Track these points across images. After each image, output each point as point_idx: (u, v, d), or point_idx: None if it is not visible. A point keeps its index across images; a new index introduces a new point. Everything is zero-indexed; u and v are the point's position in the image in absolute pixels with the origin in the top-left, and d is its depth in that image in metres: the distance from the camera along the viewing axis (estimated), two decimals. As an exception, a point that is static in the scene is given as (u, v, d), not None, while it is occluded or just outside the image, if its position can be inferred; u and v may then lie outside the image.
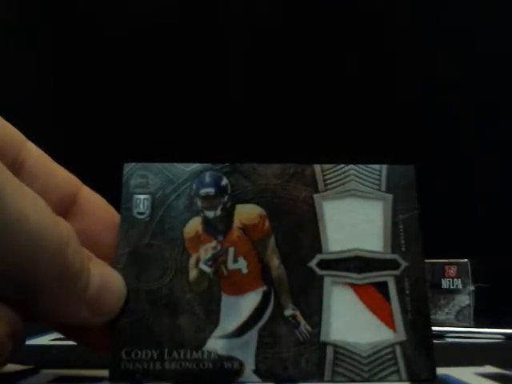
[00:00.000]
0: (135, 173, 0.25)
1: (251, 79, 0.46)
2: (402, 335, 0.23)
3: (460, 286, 0.37)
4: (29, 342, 0.32)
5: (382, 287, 0.24)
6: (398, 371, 0.22)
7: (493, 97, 0.45)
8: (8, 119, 0.22)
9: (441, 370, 0.23)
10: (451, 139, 0.45)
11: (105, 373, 0.23)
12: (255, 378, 0.22)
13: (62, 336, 0.34)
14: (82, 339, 0.23)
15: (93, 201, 0.24)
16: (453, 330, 0.36)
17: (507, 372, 0.24)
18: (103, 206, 0.24)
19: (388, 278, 0.24)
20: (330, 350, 0.23)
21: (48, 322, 0.23)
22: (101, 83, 0.45)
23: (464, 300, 0.37)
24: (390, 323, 0.23)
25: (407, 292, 0.24)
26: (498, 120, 0.45)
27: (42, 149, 0.24)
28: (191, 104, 0.45)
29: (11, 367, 0.23)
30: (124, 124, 0.45)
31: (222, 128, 0.45)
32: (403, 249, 0.24)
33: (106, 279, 0.21)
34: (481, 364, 0.26)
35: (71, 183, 0.24)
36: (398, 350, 0.23)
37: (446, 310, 0.37)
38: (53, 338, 0.35)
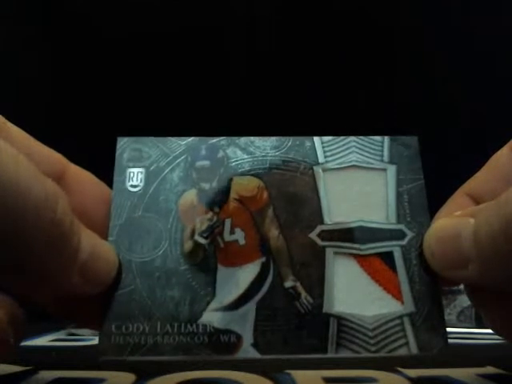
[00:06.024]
0: (129, 147, 0.24)
1: (251, 69, 0.45)
2: (410, 306, 0.21)
3: (462, 287, 0.36)
4: (28, 343, 0.31)
5: (387, 258, 0.22)
6: (407, 344, 0.21)
7: None
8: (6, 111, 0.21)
9: (442, 371, 0.23)
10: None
11: (104, 374, 0.22)
12: (254, 352, 0.21)
13: (61, 337, 0.34)
14: (73, 314, 0.22)
15: (81, 177, 0.23)
16: (454, 330, 0.35)
17: (508, 373, 0.24)
18: (93, 182, 0.24)
19: (394, 248, 0.22)
20: (333, 322, 0.21)
21: (40, 294, 0.21)
22: (100, 85, 0.45)
23: (466, 301, 0.36)
24: (397, 294, 0.22)
25: (414, 262, 0.22)
26: None
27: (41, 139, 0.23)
28: (189, 100, 0.45)
29: (11, 368, 0.23)
30: (120, 120, 0.44)
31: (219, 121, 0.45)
32: (408, 219, 0.23)
33: (98, 247, 0.20)
34: (482, 365, 0.25)
35: (56, 160, 0.23)
36: (406, 321, 0.21)
37: (448, 310, 0.36)
38: (52, 339, 0.34)
